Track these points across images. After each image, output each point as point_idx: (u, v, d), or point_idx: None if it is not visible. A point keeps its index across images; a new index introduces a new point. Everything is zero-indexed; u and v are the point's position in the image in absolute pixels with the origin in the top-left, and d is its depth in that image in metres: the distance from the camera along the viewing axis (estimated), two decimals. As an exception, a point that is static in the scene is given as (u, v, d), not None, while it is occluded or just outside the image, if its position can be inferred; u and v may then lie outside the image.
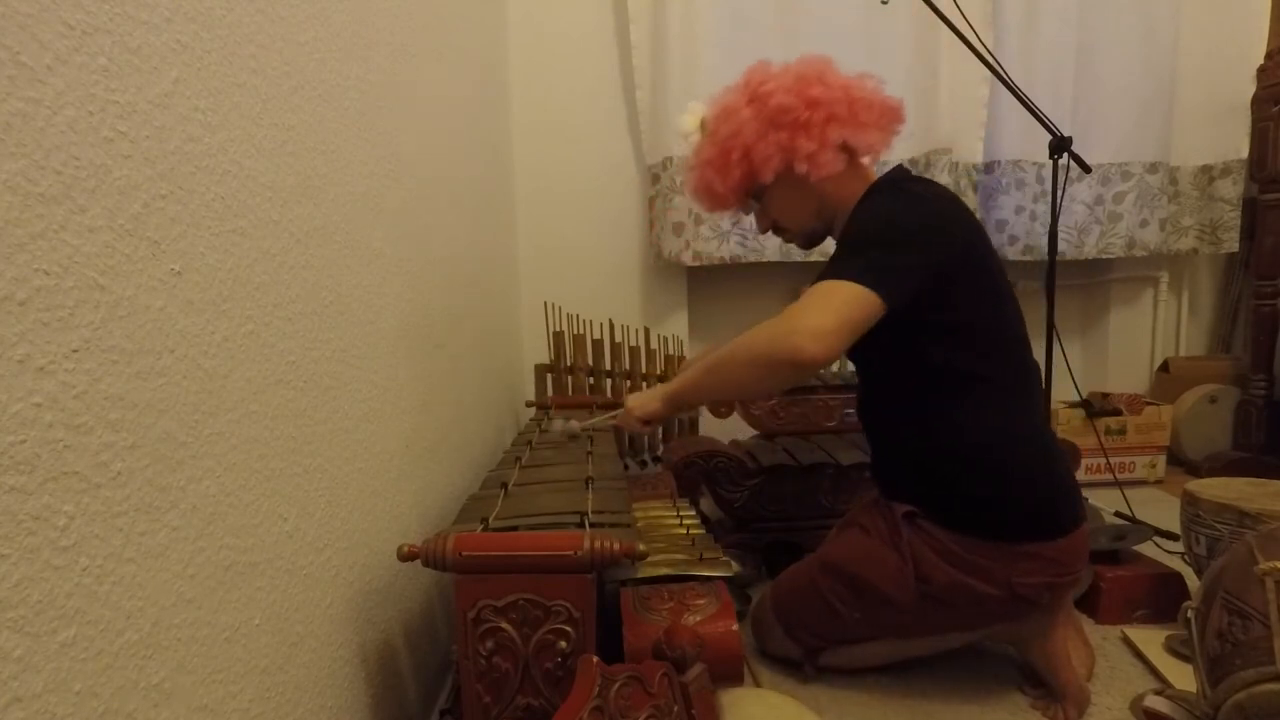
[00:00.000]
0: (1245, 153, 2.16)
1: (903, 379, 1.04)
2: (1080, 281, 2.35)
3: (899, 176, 1.10)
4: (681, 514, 1.14)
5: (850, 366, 1.60)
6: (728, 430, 1.77)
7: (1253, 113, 2.07)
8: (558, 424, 1.25)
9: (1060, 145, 1.46)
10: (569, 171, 2.11)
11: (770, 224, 1.18)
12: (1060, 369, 1.58)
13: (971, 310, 1.00)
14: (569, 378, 1.86)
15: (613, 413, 1.23)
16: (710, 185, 1.14)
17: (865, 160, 1.13)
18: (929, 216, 1.00)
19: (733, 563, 0.96)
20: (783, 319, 0.94)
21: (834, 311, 0.91)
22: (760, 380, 0.99)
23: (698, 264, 2.07)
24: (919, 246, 0.96)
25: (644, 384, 1.89)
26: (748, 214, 1.22)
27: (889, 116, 1.08)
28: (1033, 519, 0.99)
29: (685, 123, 1.17)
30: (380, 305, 0.85)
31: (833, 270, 0.95)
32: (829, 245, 2.05)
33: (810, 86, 1.04)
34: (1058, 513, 1.00)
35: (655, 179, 2.06)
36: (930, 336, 0.99)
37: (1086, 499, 1.08)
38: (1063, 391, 1.79)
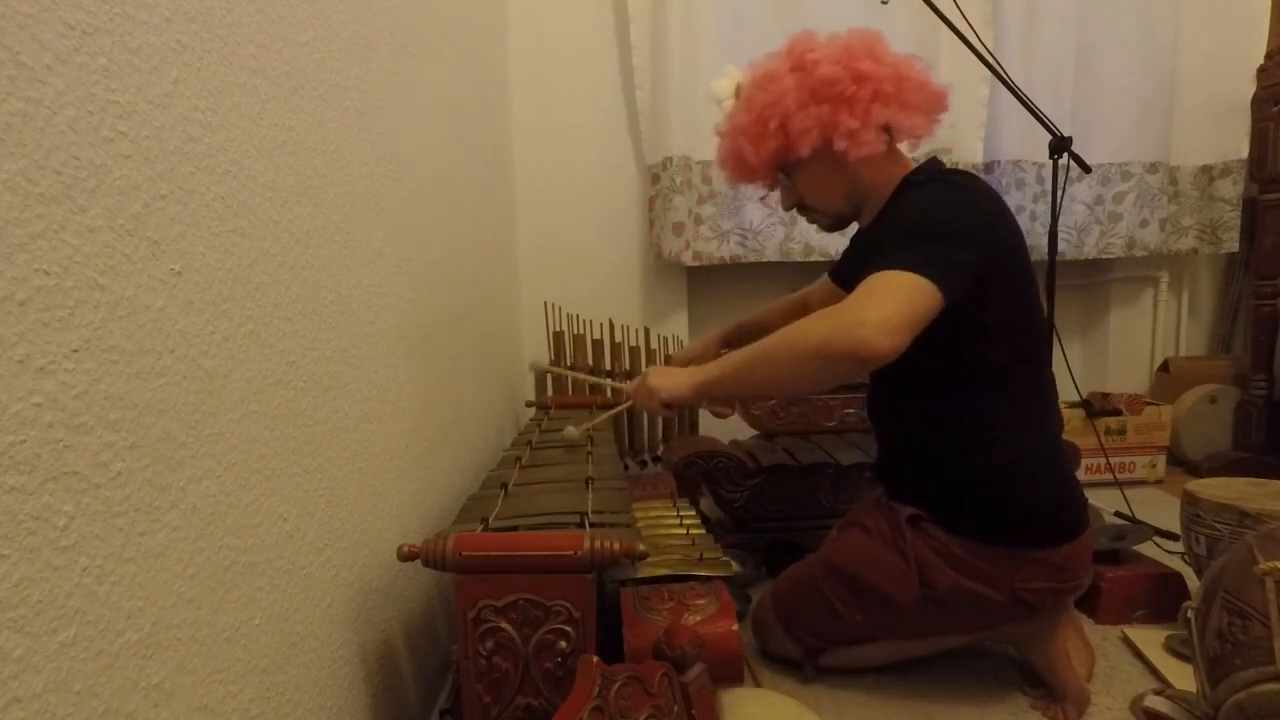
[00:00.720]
0: (1245, 153, 2.16)
1: (924, 377, 1.00)
2: (1080, 281, 2.35)
3: (937, 169, 1.07)
4: (681, 514, 1.13)
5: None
6: (728, 430, 1.77)
7: (1253, 113, 2.07)
8: (570, 430, 1.16)
9: (1060, 145, 1.46)
10: (569, 171, 2.11)
11: (796, 201, 1.13)
12: (1060, 369, 1.58)
13: (1004, 311, 0.98)
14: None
15: (620, 403, 1.19)
16: (741, 154, 1.08)
17: (902, 146, 1.08)
18: (979, 212, 0.96)
19: (733, 563, 0.96)
20: (844, 310, 0.87)
21: (900, 303, 0.85)
22: (816, 376, 0.91)
23: (698, 264, 2.07)
24: (971, 242, 0.92)
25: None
26: (772, 189, 1.17)
27: (934, 103, 1.03)
28: (1040, 525, 0.99)
29: (720, 87, 1.12)
30: (380, 305, 0.85)
31: (887, 261, 0.89)
32: (828, 244, 2.06)
33: (859, 60, 0.99)
34: (1065, 519, 1.00)
35: (655, 179, 2.06)
36: (960, 335, 0.95)
37: (1086, 500, 1.08)
38: (1063, 391, 1.77)
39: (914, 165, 1.08)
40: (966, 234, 0.92)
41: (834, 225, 1.16)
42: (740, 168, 1.12)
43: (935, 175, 1.04)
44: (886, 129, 1.02)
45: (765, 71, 1.04)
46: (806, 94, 1.00)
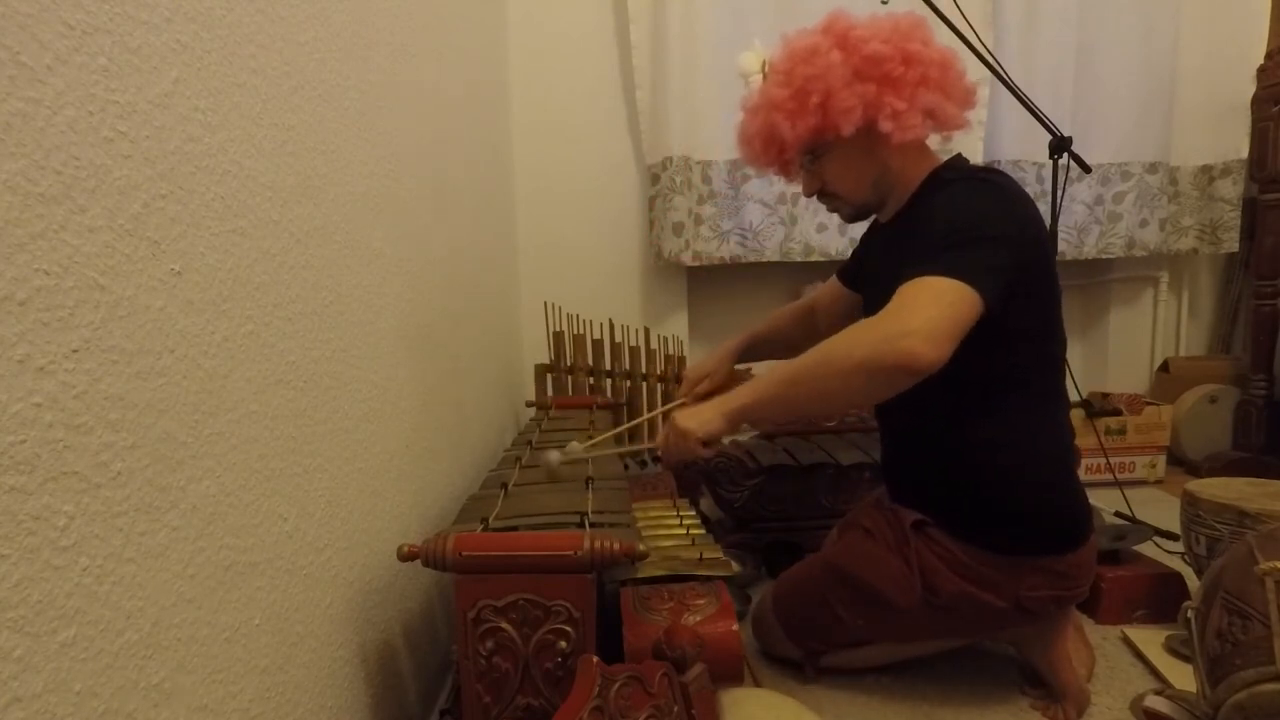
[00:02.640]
0: (1245, 153, 2.16)
1: (943, 381, 0.94)
2: (1080, 281, 2.35)
3: (968, 165, 1.04)
4: (681, 514, 1.13)
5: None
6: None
7: (1253, 113, 2.07)
8: (552, 455, 0.98)
9: (1060, 145, 1.46)
10: (569, 171, 2.11)
11: (819, 187, 1.08)
12: (1060, 369, 1.58)
13: (1031, 317, 0.96)
14: (569, 378, 1.86)
15: (633, 442, 1.11)
16: (775, 130, 1.02)
17: (932, 139, 1.05)
18: (1016, 215, 0.93)
19: (733, 563, 0.95)
20: (887, 320, 0.85)
21: (944, 310, 0.83)
22: (863, 391, 0.88)
23: (698, 264, 2.07)
24: (1008, 246, 0.89)
25: (644, 383, 1.88)
26: (793, 174, 1.11)
27: (969, 96, 1.00)
28: (1048, 532, 0.98)
29: (747, 61, 1.06)
30: (380, 305, 0.85)
31: (926, 266, 0.86)
32: (828, 245, 2.06)
33: (909, 41, 0.96)
34: (1072, 527, 0.99)
35: (655, 179, 2.06)
36: (984, 340, 0.89)
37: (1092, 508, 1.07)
38: (1063, 391, 1.78)
39: (941, 160, 1.05)
40: (1004, 237, 0.90)
41: (855, 215, 1.12)
42: (769, 146, 1.06)
43: (968, 173, 1.00)
44: (928, 116, 0.98)
45: (806, 45, 0.99)
46: (851, 71, 0.95)
